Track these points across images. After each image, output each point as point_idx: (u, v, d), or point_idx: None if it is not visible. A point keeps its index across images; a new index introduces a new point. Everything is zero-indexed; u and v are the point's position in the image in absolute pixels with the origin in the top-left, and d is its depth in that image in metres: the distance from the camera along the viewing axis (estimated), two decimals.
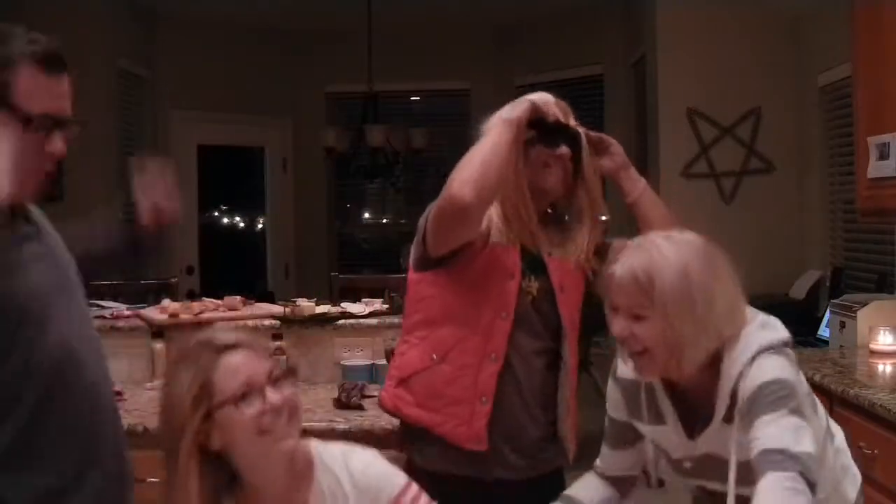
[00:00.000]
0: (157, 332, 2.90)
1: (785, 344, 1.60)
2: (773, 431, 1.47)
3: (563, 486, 1.94)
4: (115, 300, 3.53)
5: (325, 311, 3.07)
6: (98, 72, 5.17)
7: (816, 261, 4.61)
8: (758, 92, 4.80)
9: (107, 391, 1.59)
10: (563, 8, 6.05)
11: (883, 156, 3.06)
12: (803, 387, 1.61)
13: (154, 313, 3.01)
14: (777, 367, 1.54)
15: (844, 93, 4.07)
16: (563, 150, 1.95)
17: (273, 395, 1.43)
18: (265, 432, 1.42)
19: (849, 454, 1.81)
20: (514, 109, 1.88)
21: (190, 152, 6.50)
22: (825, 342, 3.63)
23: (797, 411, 1.50)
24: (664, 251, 1.55)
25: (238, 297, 3.18)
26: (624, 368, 1.72)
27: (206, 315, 3.01)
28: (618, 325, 1.59)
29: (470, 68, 6.82)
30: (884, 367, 2.94)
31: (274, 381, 1.45)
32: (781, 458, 1.43)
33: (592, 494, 1.85)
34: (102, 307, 3.24)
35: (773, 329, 1.62)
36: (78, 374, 1.48)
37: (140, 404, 2.60)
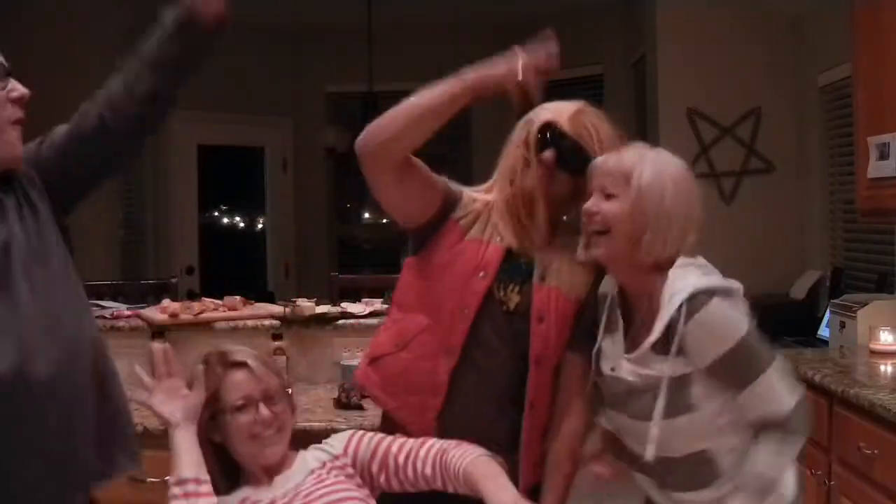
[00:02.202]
0: (158, 332, 2.89)
1: (736, 291, 1.68)
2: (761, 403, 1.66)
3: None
4: (115, 300, 3.53)
5: (325, 311, 3.06)
6: (98, 72, 5.13)
7: (816, 261, 4.60)
8: (758, 92, 4.80)
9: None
10: (563, 8, 6.03)
11: (883, 156, 3.06)
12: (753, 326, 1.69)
13: (154, 313, 3.01)
14: (736, 319, 1.64)
15: (844, 93, 4.07)
16: (547, 154, 1.83)
17: (264, 410, 1.77)
18: (255, 437, 1.76)
19: None
20: (494, 70, 2.01)
21: (190, 152, 6.51)
22: (825, 342, 3.63)
23: (764, 367, 1.65)
24: (650, 153, 1.73)
25: (238, 297, 3.17)
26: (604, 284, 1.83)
27: (206, 315, 3.01)
28: (590, 202, 1.72)
29: (470, 68, 6.79)
30: (884, 368, 2.94)
31: (268, 398, 1.78)
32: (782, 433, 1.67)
33: None
34: (102, 307, 3.23)
35: (718, 276, 1.70)
36: None
37: None
